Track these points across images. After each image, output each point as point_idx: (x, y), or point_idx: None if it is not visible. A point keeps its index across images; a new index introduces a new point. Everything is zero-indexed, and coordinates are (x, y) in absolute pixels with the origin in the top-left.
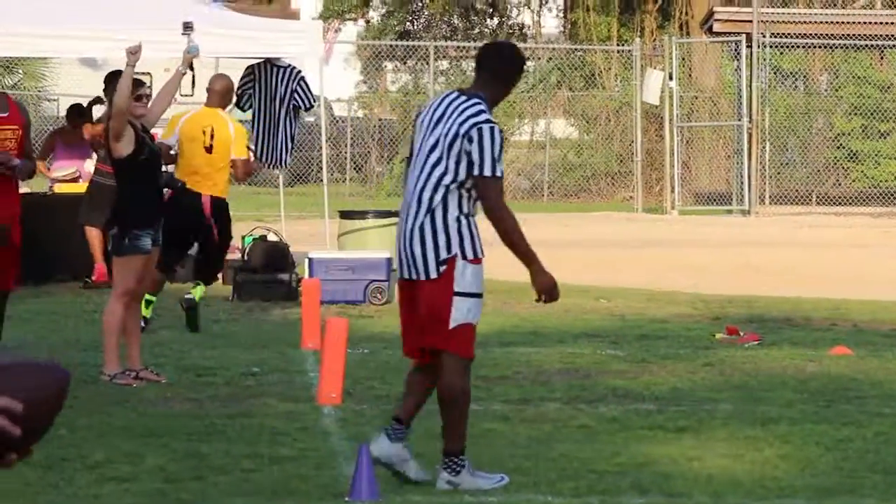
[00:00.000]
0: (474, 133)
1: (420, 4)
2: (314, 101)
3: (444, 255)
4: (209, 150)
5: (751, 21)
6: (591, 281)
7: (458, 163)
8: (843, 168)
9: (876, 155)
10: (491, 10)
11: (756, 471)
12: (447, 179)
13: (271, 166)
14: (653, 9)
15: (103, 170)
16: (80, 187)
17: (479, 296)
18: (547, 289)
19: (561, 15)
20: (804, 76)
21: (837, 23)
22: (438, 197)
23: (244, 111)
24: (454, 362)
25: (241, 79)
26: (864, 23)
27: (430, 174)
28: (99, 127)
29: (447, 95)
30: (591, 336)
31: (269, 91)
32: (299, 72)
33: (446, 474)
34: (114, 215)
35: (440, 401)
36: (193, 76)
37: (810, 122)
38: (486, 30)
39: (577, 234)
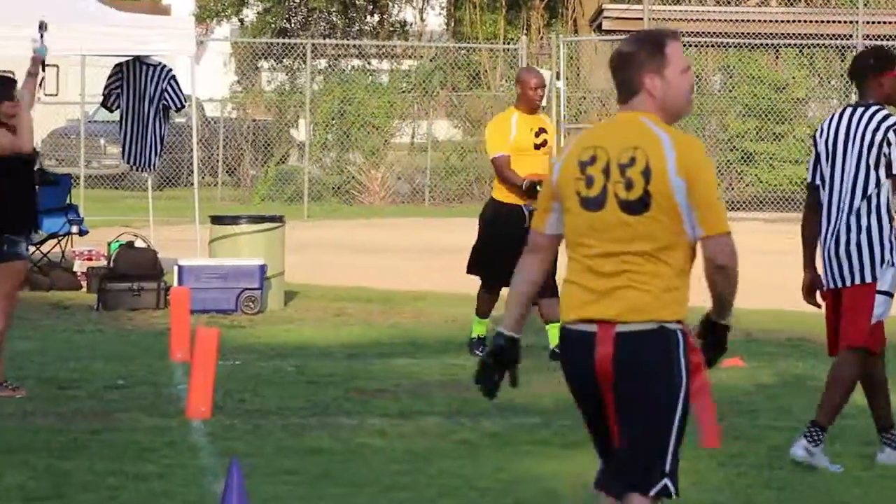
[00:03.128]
0: (891, 136)
1: (297, 1)
2: (185, 101)
3: (878, 258)
4: None
5: (641, 19)
6: (472, 289)
7: (877, 168)
8: (736, 171)
9: (771, 158)
10: (371, 7)
11: None
12: (870, 187)
13: (140, 169)
14: (540, 6)
15: None
16: None
17: (892, 295)
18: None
19: (445, 12)
20: (697, 76)
21: (731, 21)
22: (867, 205)
23: (111, 111)
24: (861, 355)
25: (109, 78)
26: (759, 21)
27: (853, 185)
28: None
29: (843, 111)
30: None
31: (137, 90)
32: (170, 70)
33: (805, 441)
34: None
35: (834, 381)
36: (43, 78)
37: (703, 124)
38: (366, 27)
39: (460, 240)
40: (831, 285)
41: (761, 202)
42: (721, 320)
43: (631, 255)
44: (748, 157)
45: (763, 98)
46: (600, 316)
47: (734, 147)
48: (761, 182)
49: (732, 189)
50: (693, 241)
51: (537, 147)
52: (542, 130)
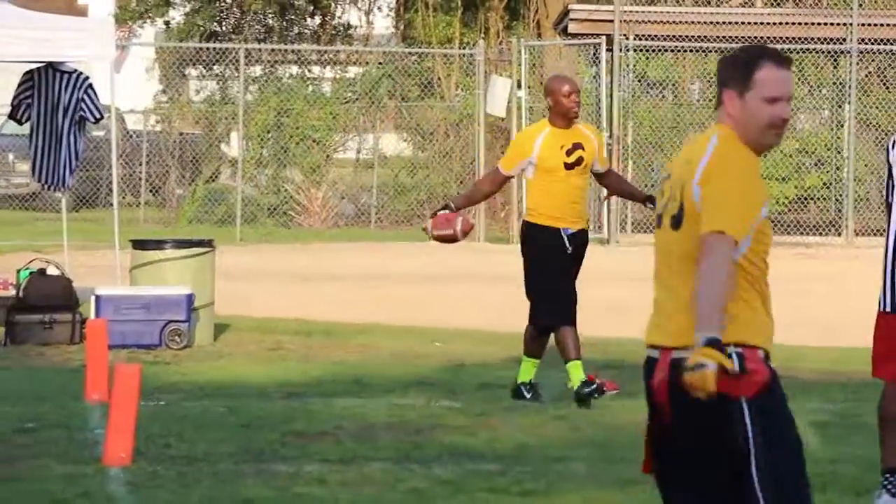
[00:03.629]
0: None
1: (229, 2)
2: (104, 113)
3: None
4: None
5: (611, 21)
6: (424, 321)
7: None
8: None
9: None
10: (312, 8)
11: None
12: None
13: (52, 188)
14: (499, 7)
15: None
16: None
17: None
18: None
19: (393, 13)
20: (673, 84)
21: (711, 23)
22: None
23: (21, 124)
24: None
25: (18, 86)
26: (742, 23)
27: None
28: None
29: None
30: (423, 385)
31: (50, 100)
32: (87, 78)
33: (888, 496)
34: None
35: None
36: None
37: (680, 137)
38: (305, 30)
39: (408, 266)
40: (888, 309)
41: None
42: (699, 332)
43: (679, 274)
44: None
45: None
46: (660, 342)
47: None
48: None
49: None
50: (738, 259)
51: (570, 167)
52: (577, 146)
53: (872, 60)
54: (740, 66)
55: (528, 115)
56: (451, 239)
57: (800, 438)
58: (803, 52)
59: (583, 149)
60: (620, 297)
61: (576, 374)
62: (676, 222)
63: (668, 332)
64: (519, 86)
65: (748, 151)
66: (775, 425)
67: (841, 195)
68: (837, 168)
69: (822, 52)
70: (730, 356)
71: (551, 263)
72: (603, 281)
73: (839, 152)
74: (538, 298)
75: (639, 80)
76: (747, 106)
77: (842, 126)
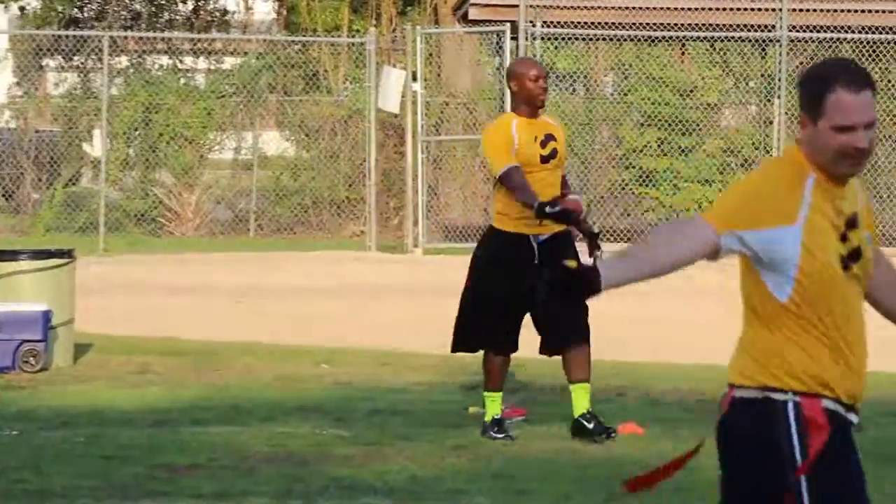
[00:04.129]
0: None
1: None
2: None
3: None
4: None
5: (516, 6)
6: (308, 340)
7: None
8: (633, 194)
9: (675, 177)
10: None
11: None
12: None
13: None
14: None
15: None
16: None
17: None
18: None
19: None
20: (585, 76)
21: (627, 9)
22: None
23: None
24: None
25: None
26: (661, 9)
27: None
28: None
29: None
30: (308, 411)
31: None
32: None
33: None
34: None
35: None
36: None
37: (592, 136)
38: (177, 17)
39: (290, 279)
40: None
41: None
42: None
43: (745, 315)
44: (647, 177)
45: (666, 104)
46: (728, 378)
47: (630, 164)
48: (664, 207)
49: (629, 215)
50: (783, 303)
51: (545, 160)
52: (549, 138)
53: (804, 50)
54: (813, 88)
55: (424, 110)
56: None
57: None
58: (728, 40)
59: (555, 140)
60: None
61: (493, 407)
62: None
63: (732, 368)
64: (414, 78)
65: (785, 169)
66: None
67: None
68: None
69: (749, 41)
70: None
71: (513, 275)
72: None
73: (768, 152)
74: (470, 310)
75: (547, 72)
76: (819, 133)
77: (771, 122)
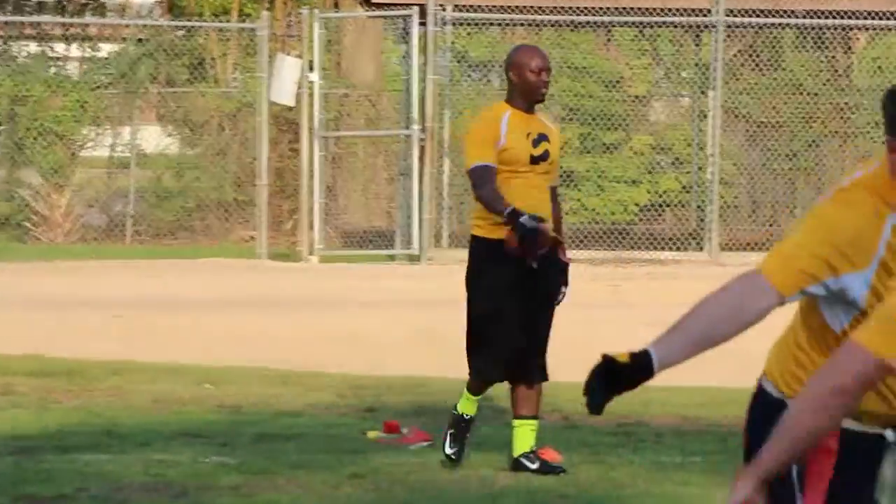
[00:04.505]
0: None
1: None
2: None
3: None
4: None
5: None
6: (190, 357)
7: None
8: None
9: (599, 177)
10: None
11: None
12: None
13: None
14: None
15: None
16: None
17: None
18: None
19: None
20: (500, 66)
21: None
22: None
23: None
24: None
25: None
26: None
27: None
28: None
29: None
30: (189, 436)
31: None
32: None
33: None
34: None
35: None
36: None
37: None
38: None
39: (172, 290)
40: None
41: (585, 237)
42: None
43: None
44: (568, 177)
45: (590, 96)
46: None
47: None
48: (586, 210)
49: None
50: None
51: (535, 160)
52: (542, 137)
53: (742, 36)
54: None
55: (321, 103)
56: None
57: None
58: (658, 26)
59: (548, 141)
60: (430, 323)
61: (467, 405)
62: None
63: (770, 361)
64: (311, 67)
65: (864, 206)
66: None
67: (703, 201)
68: (699, 168)
69: (682, 27)
70: None
71: (500, 290)
72: (410, 305)
73: (702, 149)
74: (477, 339)
75: (458, 61)
76: None
77: (705, 117)
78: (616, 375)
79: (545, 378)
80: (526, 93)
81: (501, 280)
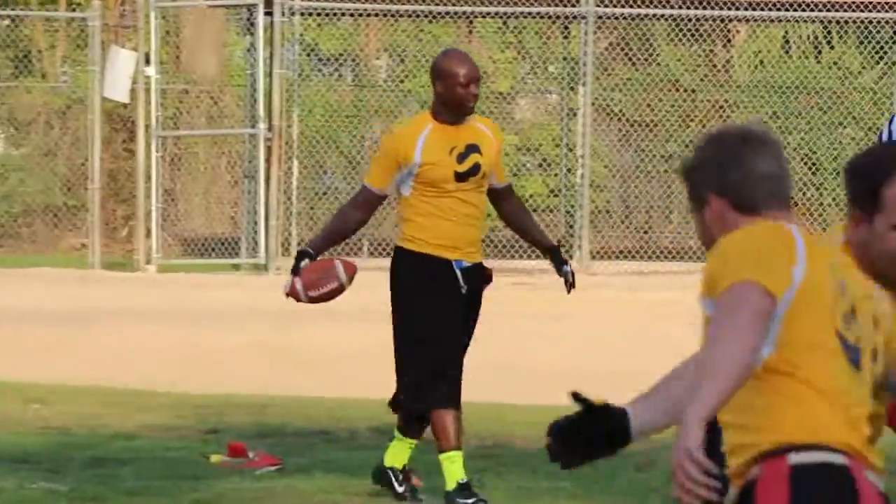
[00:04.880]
0: None
1: None
2: None
3: None
4: None
5: None
6: (16, 375)
7: None
8: None
9: None
10: None
11: None
12: None
13: None
14: None
15: None
16: None
17: None
18: None
19: None
20: (353, 60)
21: None
22: None
23: None
24: None
25: None
26: None
27: None
28: None
29: None
30: (15, 462)
31: None
32: None
33: None
34: None
35: None
36: None
37: (362, 128)
38: None
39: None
40: None
41: None
42: None
43: None
44: None
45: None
46: None
47: None
48: None
49: None
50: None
51: (462, 177)
52: (471, 149)
53: (614, 29)
54: (863, 181)
55: (159, 99)
56: (337, 292)
57: None
58: (524, 17)
59: (479, 152)
60: (277, 338)
61: (454, 470)
62: None
63: None
64: (147, 61)
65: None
66: None
67: (573, 206)
68: (569, 170)
69: (549, 18)
70: None
71: (436, 308)
72: (256, 318)
73: (571, 150)
74: (408, 363)
75: (308, 54)
76: (875, 234)
77: (574, 115)
78: (587, 423)
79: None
80: (452, 106)
81: (440, 293)
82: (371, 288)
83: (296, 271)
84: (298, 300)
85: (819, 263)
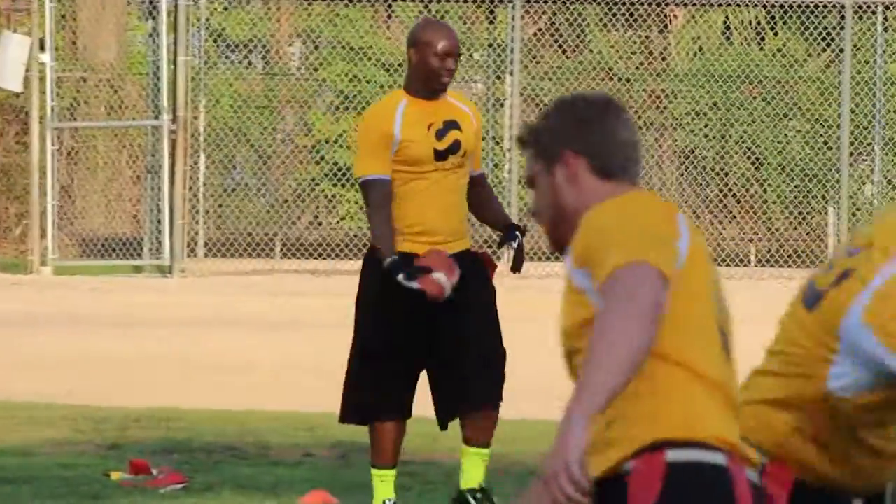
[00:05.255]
0: None
1: None
2: None
3: None
4: None
5: None
6: None
7: None
8: (325, 196)
9: None
10: None
11: None
12: None
13: None
14: None
15: None
16: None
17: None
18: None
19: None
20: (263, 47)
21: None
22: None
23: None
24: None
25: None
26: None
27: None
28: None
29: None
30: None
31: None
32: None
33: None
34: None
35: None
36: None
37: (274, 119)
38: None
39: None
40: None
41: (357, 247)
42: None
43: None
44: (344, 174)
45: (367, 81)
46: None
47: (322, 157)
48: (358, 217)
49: (320, 223)
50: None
51: (441, 155)
52: (450, 125)
53: (542, 13)
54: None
55: (54, 88)
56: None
57: None
58: (447, 0)
59: (458, 129)
60: (182, 346)
61: (384, 489)
62: None
63: None
64: (42, 47)
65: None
66: None
67: (502, 203)
68: (496, 165)
69: (474, 2)
70: None
71: (386, 319)
72: (160, 324)
73: (498, 143)
74: (352, 372)
75: (214, 40)
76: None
77: (501, 105)
78: None
79: (498, 407)
80: (424, 78)
81: (406, 305)
82: (287, 296)
83: (412, 277)
84: (444, 295)
85: (697, 237)
